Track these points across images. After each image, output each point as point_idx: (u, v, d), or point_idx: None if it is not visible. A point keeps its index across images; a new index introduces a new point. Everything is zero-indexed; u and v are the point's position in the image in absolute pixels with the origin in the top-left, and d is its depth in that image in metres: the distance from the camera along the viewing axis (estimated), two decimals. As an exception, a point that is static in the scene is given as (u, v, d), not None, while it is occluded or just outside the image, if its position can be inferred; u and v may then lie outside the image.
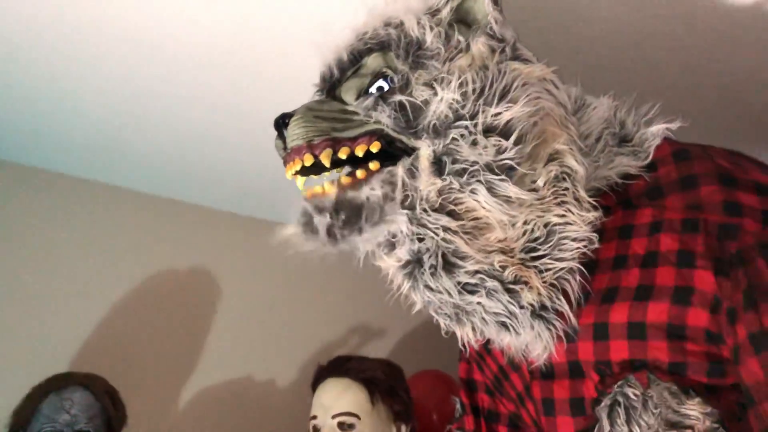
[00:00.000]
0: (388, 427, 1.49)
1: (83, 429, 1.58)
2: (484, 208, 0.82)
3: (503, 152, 0.81)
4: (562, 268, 0.84)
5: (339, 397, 1.47)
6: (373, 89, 0.88)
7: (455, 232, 0.82)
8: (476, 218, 0.83)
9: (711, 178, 0.85)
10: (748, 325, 0.76)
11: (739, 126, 1.71)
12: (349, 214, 0.84)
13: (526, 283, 0.83)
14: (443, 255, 0.83)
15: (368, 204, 0.84)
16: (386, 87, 0.87)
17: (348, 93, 0.90)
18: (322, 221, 0.85)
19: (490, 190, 0.81)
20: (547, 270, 0.84)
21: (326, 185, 0.85)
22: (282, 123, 0.86)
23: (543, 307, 0.85)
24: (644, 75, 1.49)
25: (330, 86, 0.92)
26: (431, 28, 0.88)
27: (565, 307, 0.85)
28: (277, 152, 0.91)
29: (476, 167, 0.81)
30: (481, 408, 1.13)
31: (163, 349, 2.06)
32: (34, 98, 1.62)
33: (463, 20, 0.92)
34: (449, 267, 0.83)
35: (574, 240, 0.84)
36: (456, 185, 0.82)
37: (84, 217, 2.01)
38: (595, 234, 0.86)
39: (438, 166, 0.83)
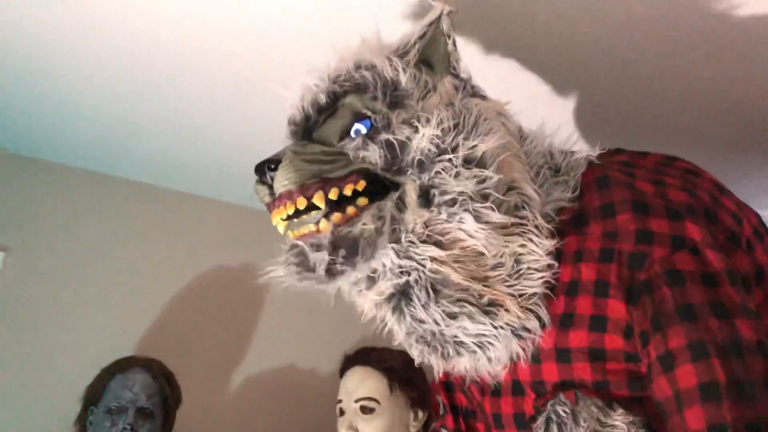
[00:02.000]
0: (405, 412, 1.65)
1: (144, 406, 1.79)
2: (471, 236, 0.85)
3: (484, 182, 0.85)
4: (534, 294, 0.90)
5: (361, 384, 1.64)
6: (354, 130, 0.90)
7: (443, 262, 0.85)
8: (463, 247, 0.86)
9: (626, 205, 0.90)
10: (656, 348, 0.83)
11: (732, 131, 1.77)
12: (347, 250, 0.85)
13: (501, 305, 0.88)
14: (432, 285, 0.85)
15: (363, 239, 0.85)
16: (367, 127, 0.90)
17: (331, 134, 0.91)
18: (320, 258, 0.86)
19: (477, 218, 0.85)
20: (521, 296, 0.89)
21: (321, 223, 0.86)
22: (267, 168, 0.87)
23: (524, 328, 0.90)
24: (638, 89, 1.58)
25: (306, 129, 0.94)
26: (404, 70, 0.91)
27: (538, 330, 0.91)
28: (258, 198, 0.91)
29: (464, 197, 0.84)
30: (459, 407, 1.18)
31: (216, 338, 2.28)
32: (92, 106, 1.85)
33: (425, 61, 0.97)
34: (438, 297, 0.86)
35: (538, 270, 0.89)
36: (444, 215, 0.85)
37: (147, 219, 2.25)
38: (554, 262, 0.90)
39: (425, 198, 0.85)
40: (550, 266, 0.90)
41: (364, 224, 0.86)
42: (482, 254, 0.87)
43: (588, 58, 1.46)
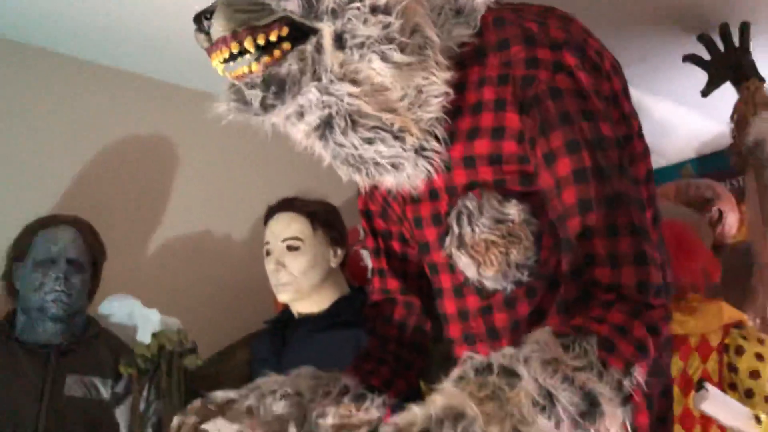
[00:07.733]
0: (326, 250, 1.85)
1: (72, 257, 1.89)
2: (379, 74, 1.00)
3: (388, 27, 0.99)
4: (431, 118, 1.06)
5: (287, 226, 1.82)
6: None
7: (357, 97, 1.00)
8: (372, 83, 1.01)
9: (518, 39, 1.08)
10: (541, 148, 1.04)
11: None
12: (277, 87, 0.99)
13: (407, 131, 1.04)
14: (350, 115, 1.01)
15: (289, 77, 0.99)
16: None
17: None
18: (255, 95, 1.00)
19: (383, 58, 0.99)
20: (420, 120, 1.05)
21: (253, 65, 0.99)
22: (204, 18, 0.98)
23: (422, 147, 1.07)
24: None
25: None
26: None
27: (436, 146, 1.07)
28: (198, 44, 1.02)
29: (371, 40, 0.98)
30: (377, 230, 1.37)
31: (131, 204, 2.37)
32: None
33: None
34: (354, 125, 1.01)
35: (436, 96, 1.05)
36: (356, 56, 0.99)
37: (62, 89, 2.27)
38: (450, 89, 1.06)
39: (339, 42, 0.99)
40: (446, 93, 1.06)
41: (290, 65, 0.99)
42: (389, 89, 1.02)
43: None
